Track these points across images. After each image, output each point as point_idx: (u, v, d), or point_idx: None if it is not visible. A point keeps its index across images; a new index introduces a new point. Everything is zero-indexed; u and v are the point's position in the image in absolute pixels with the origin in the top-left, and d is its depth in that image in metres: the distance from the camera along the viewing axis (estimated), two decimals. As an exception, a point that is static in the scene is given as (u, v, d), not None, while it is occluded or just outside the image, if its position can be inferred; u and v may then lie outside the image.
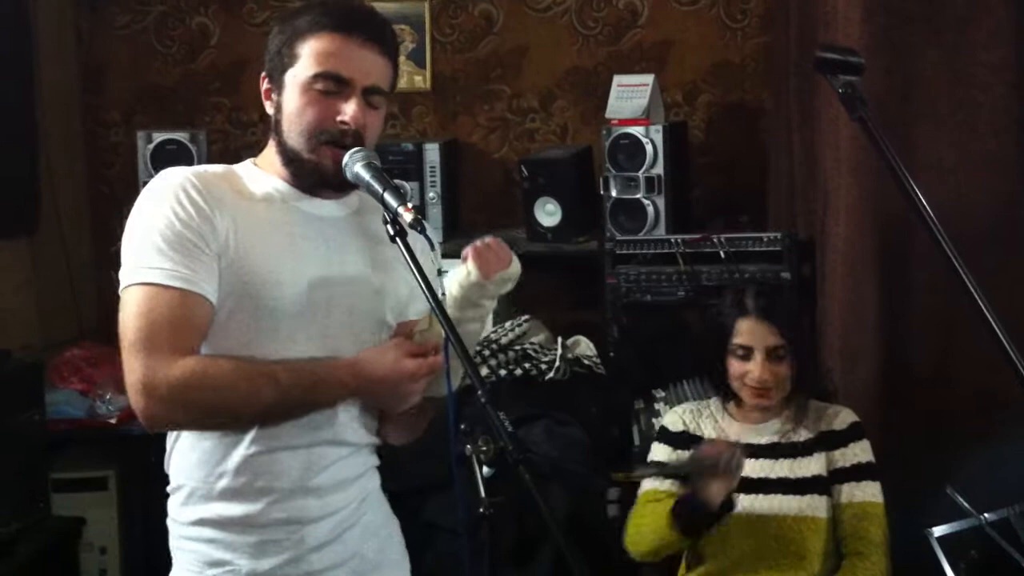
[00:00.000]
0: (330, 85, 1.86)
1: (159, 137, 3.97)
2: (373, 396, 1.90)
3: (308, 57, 1.86)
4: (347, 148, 1.85)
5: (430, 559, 2.95)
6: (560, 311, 4.04)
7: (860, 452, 2.69)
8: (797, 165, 3.62)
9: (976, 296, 1.61)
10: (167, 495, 1.95)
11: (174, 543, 1.94)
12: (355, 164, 1.83)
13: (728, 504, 2.54)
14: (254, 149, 2.00)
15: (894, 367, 3.19)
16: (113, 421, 3.68)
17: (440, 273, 1.82)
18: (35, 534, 3.40)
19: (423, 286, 1.74)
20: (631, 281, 3.61)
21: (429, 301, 1.73)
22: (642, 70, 4.09)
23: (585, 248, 3.89)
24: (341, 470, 1.93)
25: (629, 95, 3.83)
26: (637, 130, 3.73)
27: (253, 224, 1.86)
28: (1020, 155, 3.11)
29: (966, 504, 2.47)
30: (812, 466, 2.68)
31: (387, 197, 1.78)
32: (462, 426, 2.28)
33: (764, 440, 2.73)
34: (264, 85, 1.95)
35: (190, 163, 3.84)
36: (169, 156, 3.89)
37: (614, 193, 3.75)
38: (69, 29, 4.36)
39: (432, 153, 4.01)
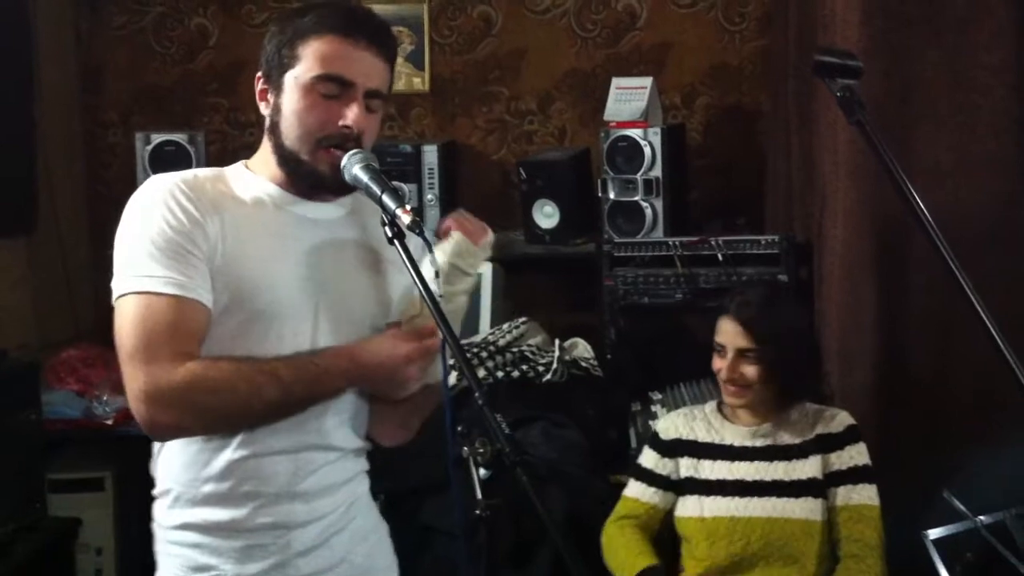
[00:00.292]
0: (332, 88, 1.85)
1: (157, 138, 3.97)
2: (372, 383, 1.90)
3: (310, 59, 1.85)
4: (346, 152, 1.85)
5: (427, 562, 2.95)
6: (558, 313, 4.04)
7: (856, 455, 2.69)
8: (795, 168, 3.62)
9: (973, 299, 1.61)
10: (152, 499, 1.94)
11: (159, 547, 1.93)
12: (353, 166, 1.83)
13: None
14: (252, 150, 1.98)
15: (891, 369, 3.19)
16: (110, 422, 3.68)
17: (437, 275, 1.81)
18: (31, 535, 3.39)
19: (421, 288, 1.73)
20: (629, 283, 3.61)
21: (428, 302, 1.73)
22: (640, 72, 4.09)
23: (583, 250, 3.89)
24: (328, 475, 1.93)
25: (627, 97, 3.83)
26: (635, 132, 3.73)
27: (244, 228, 1.85)
28: (1020, 157, 3.11)
29: (962, 507, 2.47)
30: (807, 469, 2.68)
31: (385, 199, 1.77)
32: (459, 428, 2.28)
33: (759, 443, 2.73)
34: (260, 86, 1.93)
35: (188, 164, 3.86)
36: (167, 157, 3.89)
37: (612, 195, 3.75)
38: (68, 29, 4.35)
39: (430, 155, 4.01)
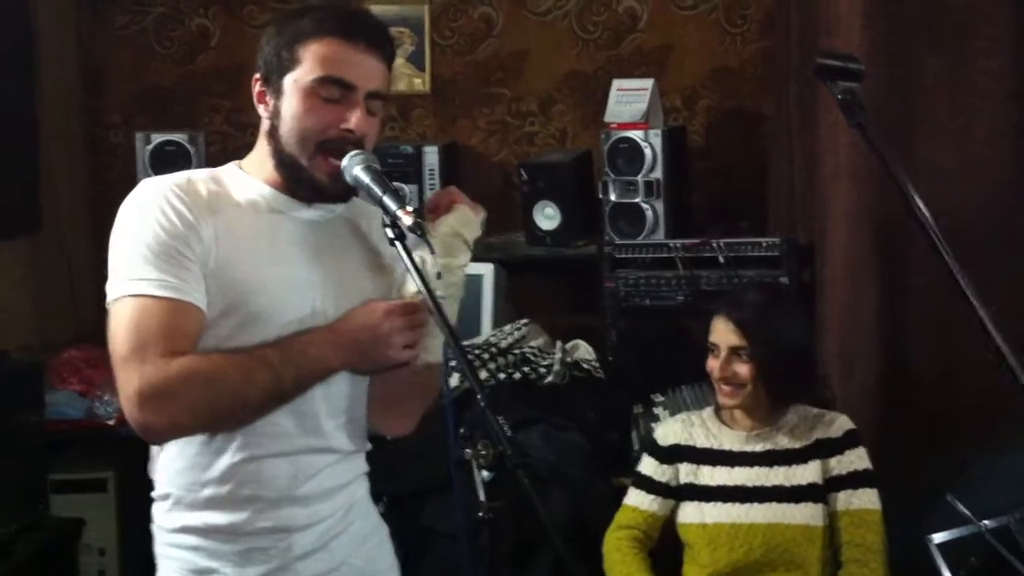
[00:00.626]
0: (333, 91, 1.83)
1: (158, 138, 3.96)
2: (360, 352, 1.83)
3: (310, 61, 1.84)
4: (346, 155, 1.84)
5: (429, 564, 2.95)
6: (559, 315, 4.03)
7: (856, 459, 2.69)
8: (797, 170, 3.62)
9: (974, 302, 1.62)
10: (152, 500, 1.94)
11: (159, 549, 1.92)
12: (354, 167, 1.82)
13: None
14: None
15: (893, 372, 3.19)
16: (112, 422, 3.67)
17: (439, 276, 1.81)
18: (34, 535, 3.38)
19: (423, 288, 1.73)
20: (630, 285, 3.61)
21: (428, 302, 1.73)
22: (642, 74, 4.09)
23: (584, 252, 3.89)
24: (328, 478, 1.92)
25: (628, 99, 3.83)
26: (636, 134, 3.73)
27: (238, 230, 1.84)
28: (1019, 161, 3.12)
29: (966, 511, 2.46)
30: (807, 474, 2.68)
31: (387, 200, 1.77)
32: (461, 430, 2.29)
33: (757, 448, 2.73)
34: (257, 88, 1.91)
35: (189, 164, 3.86)
36: (168, 157, 3.89)
37: (613, 197, 3.75)
38: (70, 30, 4.35)
39: (431, 156, 4.01)
